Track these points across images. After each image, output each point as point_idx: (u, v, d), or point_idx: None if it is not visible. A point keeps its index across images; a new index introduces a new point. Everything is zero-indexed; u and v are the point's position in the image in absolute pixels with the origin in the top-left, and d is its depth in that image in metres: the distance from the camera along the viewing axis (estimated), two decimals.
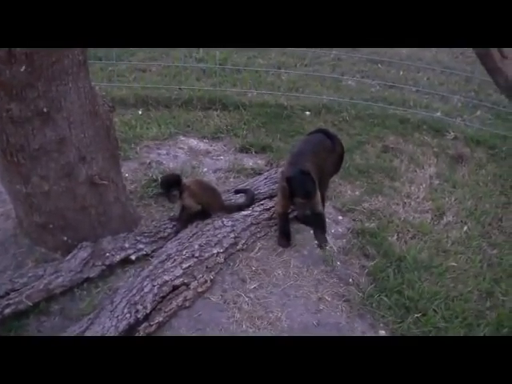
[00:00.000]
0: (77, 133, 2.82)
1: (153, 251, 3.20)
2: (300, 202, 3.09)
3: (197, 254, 3.03)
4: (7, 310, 2.73)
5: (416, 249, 3.39)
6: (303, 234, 3.48)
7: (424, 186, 4.10)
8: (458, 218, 3.77)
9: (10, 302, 2.77)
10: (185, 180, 3.35)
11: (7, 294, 2.83)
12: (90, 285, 3.00)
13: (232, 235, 3.24)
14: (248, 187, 3.67)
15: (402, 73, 6.02)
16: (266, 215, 3.47)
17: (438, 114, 5.15)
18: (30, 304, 2.79)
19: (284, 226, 3.37)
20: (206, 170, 4.12)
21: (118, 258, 3.09)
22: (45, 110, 2.63)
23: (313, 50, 6.16)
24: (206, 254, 3.07)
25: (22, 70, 2.47)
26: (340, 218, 3.68)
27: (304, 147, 3.32)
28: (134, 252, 3.15)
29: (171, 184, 3.25)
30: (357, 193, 3.95)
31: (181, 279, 2.89)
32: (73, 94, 2.71)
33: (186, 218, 3.35)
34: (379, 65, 6.25)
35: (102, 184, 3.05)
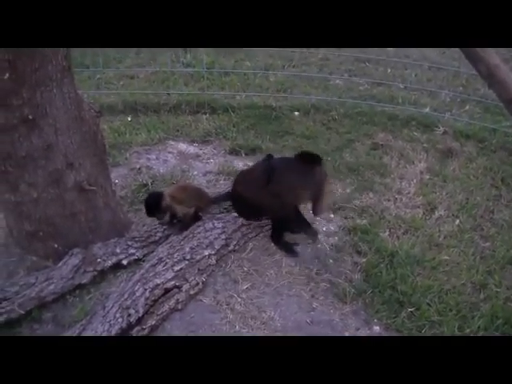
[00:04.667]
0: (63, 139, 2.81)
1: (144, 255, 3.18)
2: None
3: (188, 257, 3.02)
4: None
5: (408, 244, 3.39)
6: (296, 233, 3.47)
7: (415, 181, 4.09)
8: (449, 212, 3.77)
9: (2, 310, 2.74)
10: (166, 190, 3.36)
11: None
12: (82, 291, 2.99)
13: (223, 236, 3.23)
14: None
15: (389, 70, 6.02)
16: None
17: (427, 109, 5.15)
18: (22, 312, 2.77)
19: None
20: (196, 173, 4.11)
21: (109, 263, 3.08)
22: (30, 116, 2.63)
23: (300, 50, 6.17)
24: (198, 257, 3.05)
25: (5, 77, 2.47)
26: (331, 216, 3.67)
27: None
28: (126, 257, 3.14)
29: (154, 208, 3.28)
30: (347, 190, 3.95)
31: (172, 282, 2.88)
32: (58, 100, 2.71)
33: (187, 222, 3.34)
34: (367, 63, 6.25)
35: (91, 190, 3.05)
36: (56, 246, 3.12)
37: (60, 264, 3.02)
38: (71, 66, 2.84)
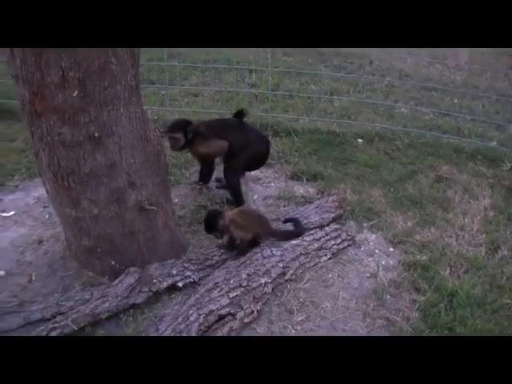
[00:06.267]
0: (127, 158, 2.82)
1: (200, 279, 3.14)
2: None
3: (244, 284, 2.97)
4: (53, 333, 2.71)
5: (469, 284, 3.23)
6: (354, 265, 3.37)
7: (478, 217, 3.93)
8: None
9: (56, 325, 2.74)
10: (228, 213, 3.32)
11: (53, 317, 2.82)
12: (136, 311, 2.96)
13: (281, 265, 3.16)
14: (297, 216, 3.60)
15: (456, 100, 5.86)
16: (316, 245, 3.38)
17: (494, 143, 4.98)
18: (76, 328, 2.76)
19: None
20: (256, 197, 4.08)
21: (164, 284, 3.05)
22: (96, 134, 2.64)
23: (365, 76, 6.10)
24: (254, 284, 2.99)
25: (74, 94, 2.50)
26: (391, 249, 3.56)
27: None
28: (182, 279, 3.10)
29: (215, 222, 3.26)
30: (409, 224, 3.82)
31: (227, 309, 2.83)
32: (124, 119, 2.71)
33: (245, 248, 3.28)
34: (433, 92, 6.10)
35: (151, 209, 3.03)
36: (113, 263, 3.12)
37: (116, 282, 3.01)
38: (139, 85, 2.84)
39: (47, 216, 3.76)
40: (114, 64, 2.54)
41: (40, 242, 3.50)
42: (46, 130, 2.62)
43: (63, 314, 2.83)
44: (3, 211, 3.85)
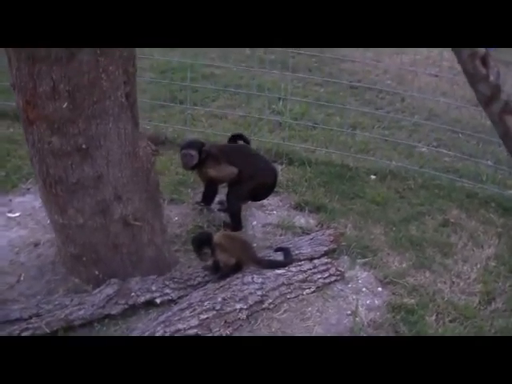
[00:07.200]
0: (114, 172, 2.90)
1: (179, 297, 3.18)
2: None
3: (218, 307, 2.98)
4: (25, 333, 2.80)
5: (453, 333, 3.16)
6: (337, 301, 3.36)
7: (478, 266, 3.84)
8: (508, 306, 3.49)
9: (30, 326, 2.84)
10: (217, 234, 3.36)
11: (30, 318, 2.91)
12: (111, 321, 3.02)
13: (259, 293, 3.17)
14: (290, 246, 3.61)
15: (481, 145, 5.75)
16: (301, 277, 3.36)
17: (510, 191, 4.87)
18: (48, 331, 2.83)
19: None
20: (255, 223, 4.10)
21: (142, 299, 3.10)
22: (84, 146, 2.74)
23: (393, 113, 6.08)
24: (228, 309, 3.01)
25: (64, 106, 2.60)
26: (379, 289, 3.52)
27: None
28: (160, 296, 3.15)
29: (203, 243, 3.28)
30: (403, 265, 3.76)
31: (195, 330, 2.85)
32: (113, 134, 2.80)
33: (227, 272, 3.31)
34: (459, 134, 6.00)
35: (136, 225, 3.10)
36: (97, 272, 3.20)
37: (96, 291, 3.09)
38: (135, 102, 2.93)
39: (49, 221, 3.86)
40: (104, 80, 2.64)
41: (36, 244, 3.61)
42: (38, 138, 2.74)
43: (39, 316, 2.91)
44: (10, 211, 3.99)
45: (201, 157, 3.80)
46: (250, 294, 3.15)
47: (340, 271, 3.54)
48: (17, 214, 3.96)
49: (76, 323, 2.93)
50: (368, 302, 3.40)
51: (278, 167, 4.85)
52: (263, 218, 4.19)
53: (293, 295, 3.32)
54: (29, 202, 4.12)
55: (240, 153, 3.99)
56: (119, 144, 2.85)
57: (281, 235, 3.98)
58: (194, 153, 3.78)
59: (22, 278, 3.31)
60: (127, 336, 2.79)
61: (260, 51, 7.02)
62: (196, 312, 2.94)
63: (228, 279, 3.24)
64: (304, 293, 3.35)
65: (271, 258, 3.50)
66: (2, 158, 4.70)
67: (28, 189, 4.32)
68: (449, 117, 6.20)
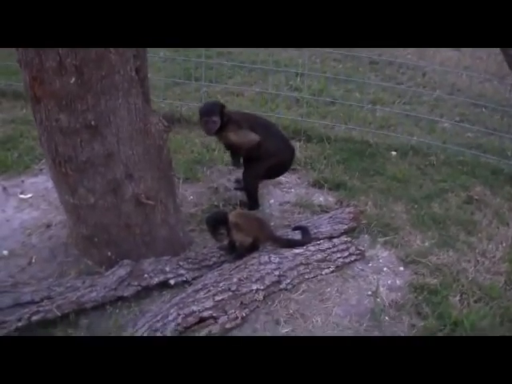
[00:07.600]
0: (125, 149, 2.80)
1: (194, 278, 3.09)
2: None
3: (233, 288, 2.89)
4: (35, 317, 2.72)
5: (478, 314, 3.03)
6: (357, 281, 3.25)
7: (504, 244, 3.70)
8: None
9: (40, 309, 2.75)
10: (232, 213, 3.27)
11: (41, 300, 2.84)
12: (123, 304, 2.94)
13: (276, 273, 3.07)
14: (308, 225, 3.50)
15: (505, 119, 5.55)
16: (320, 256, 3.26)
17: None
18: (59, 314, 2.76)
19: None
20: (272, 201, 4.00)
21: (155, 280, 3.01)
22: (93, 123, 2.63)
23: (414, 88, 5.91)
24: (244, 289, 2.92)
25: (71, 81, 2.49)
26: (401, 269, 3.40)
27: None
28: (174, 277, 3.05)
29: (218, 222, 3.18)
30: (426, 244, 3.63)
31: (210, 312, 2.76)
32: (122, 110, 2.69)
33: (242, 251, 3.22)
34: (483, 109, 5.81)
35: (149, 204, 3.01)
36: (109, 254, 3.11)
37: (108, 273, 3.00)
38: (146, 77, 2.83)
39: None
40: (113, 53, 2.53)
41: (48, 226, 3.55)
42: (45, 115, 2.65)
43: (51, 299, 2.84)
44: (22, 193, 3.92)
45: (222, 121, 3.66)
46: (267, 274, 3.05)
47: (360, 250, 3.43)
48: (29, 196, 3.90)
49: (88, 306, 2.85)
50: (389, 282, 3.28)
51: (296, 144, 4.74)
52: (281, 197, 4.09)
53: (311, 275, 3.21)
54: (41, 183, 4.05)
55: (262, 124, 3.86)
56: (129, 120, 2.74)
57: (299, 213, 3.86)
58: (215, 119, 3.59)
59: (33, 261, 3.25)
60: (126, 336, 2.67)
61: None
62: (211, 293, 2.85)
63: (244, 259, 3.14)
64: (323, 273, 3.24)
65: (289, 236, 3.40)
66: (15, 139, 4.65)
67: (41, 169, 4.26)
68: (472, 91, 6.04)
